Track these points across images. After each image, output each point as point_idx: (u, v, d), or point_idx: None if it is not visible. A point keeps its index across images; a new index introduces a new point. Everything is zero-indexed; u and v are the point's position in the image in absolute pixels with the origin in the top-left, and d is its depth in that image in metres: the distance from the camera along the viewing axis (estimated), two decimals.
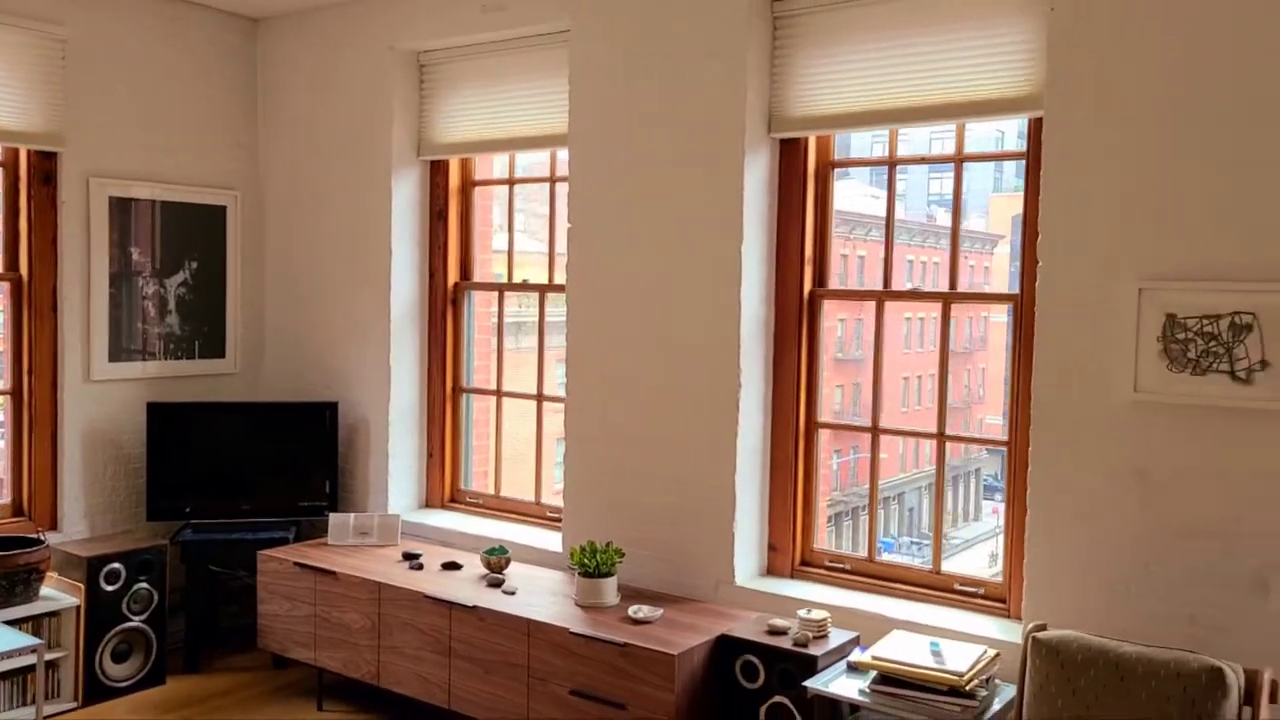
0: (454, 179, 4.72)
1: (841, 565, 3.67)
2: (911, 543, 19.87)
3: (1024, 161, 3.26)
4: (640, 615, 3.41)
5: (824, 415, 3.74)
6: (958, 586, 3.44)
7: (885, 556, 3.70)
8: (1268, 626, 2.75)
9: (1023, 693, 2.68)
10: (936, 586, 3.48)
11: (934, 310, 3.52)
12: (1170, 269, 2.87)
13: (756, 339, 3.70)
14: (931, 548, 3.56)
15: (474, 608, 3.56)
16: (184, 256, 4.81)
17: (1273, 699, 2.50)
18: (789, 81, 3.62)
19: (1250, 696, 2.47)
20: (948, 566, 3.49)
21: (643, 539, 3.86)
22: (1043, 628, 2.79)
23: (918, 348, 20.60)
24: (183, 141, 4.79)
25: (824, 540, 3.70)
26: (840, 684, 3.01)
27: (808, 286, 3.73)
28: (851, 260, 19.31)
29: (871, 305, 3.61)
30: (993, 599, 3.37)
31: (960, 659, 2.90)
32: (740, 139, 3.60)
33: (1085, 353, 3.01)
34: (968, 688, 2.80)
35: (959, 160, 3.48)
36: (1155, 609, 2.91)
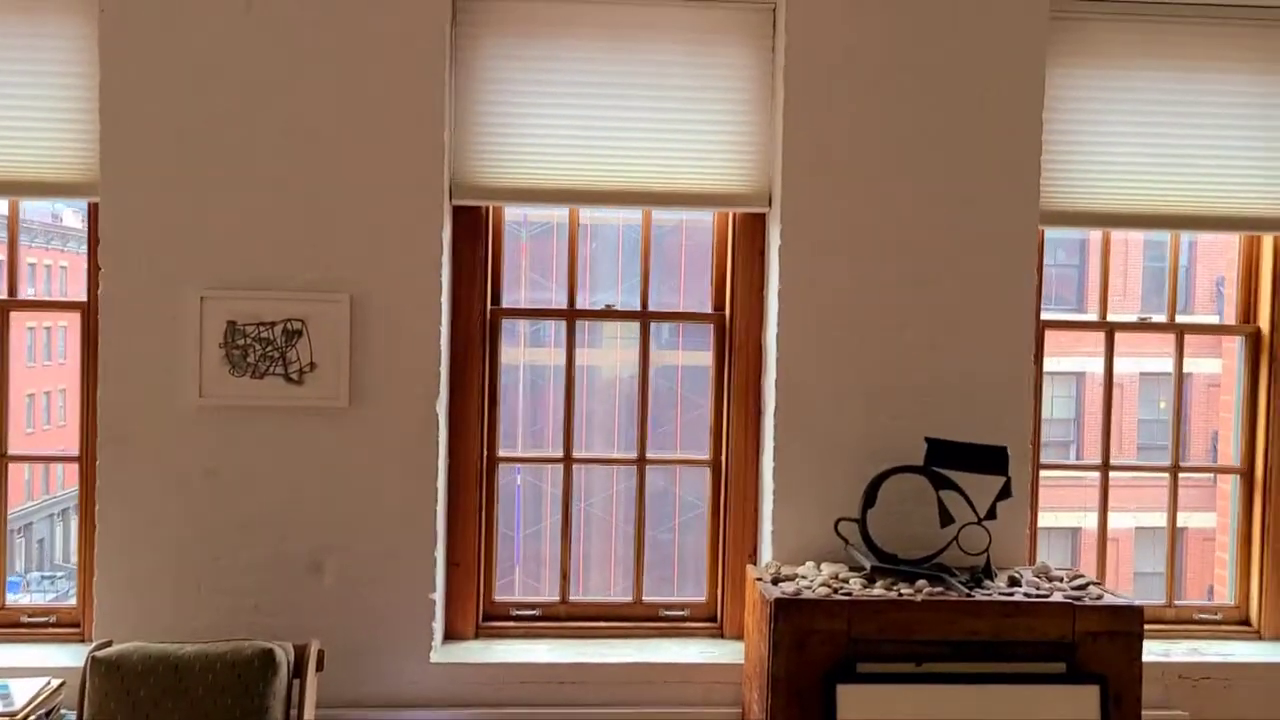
0: None
1: None
2: (43, 578, 17.88)
3: None
4: None
5: None
6: (25, 619, 3.15)
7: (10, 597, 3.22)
8: (323, 602, 3.06)
9: (82, 716, 2.55)
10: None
11: (64, 318, 3.16)
12: (231, 278, 3.01)
13: None
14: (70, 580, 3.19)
15: None
16: None
17: (320, 667, 2.78)
18: None
19: (300, 669, 2.71)
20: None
21: None
22: (107, 645, 2.69)
23: (58, 359, 18.56)
24: None
25: None
26: None
27: None
28: None
29: None
30: (66, 625, 3.16)
31: (26, 696, 2.66)
32: None
33: (152, 360, 2.99)
34: None
35: None
36: (226, 603, 3.03)
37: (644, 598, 3.39)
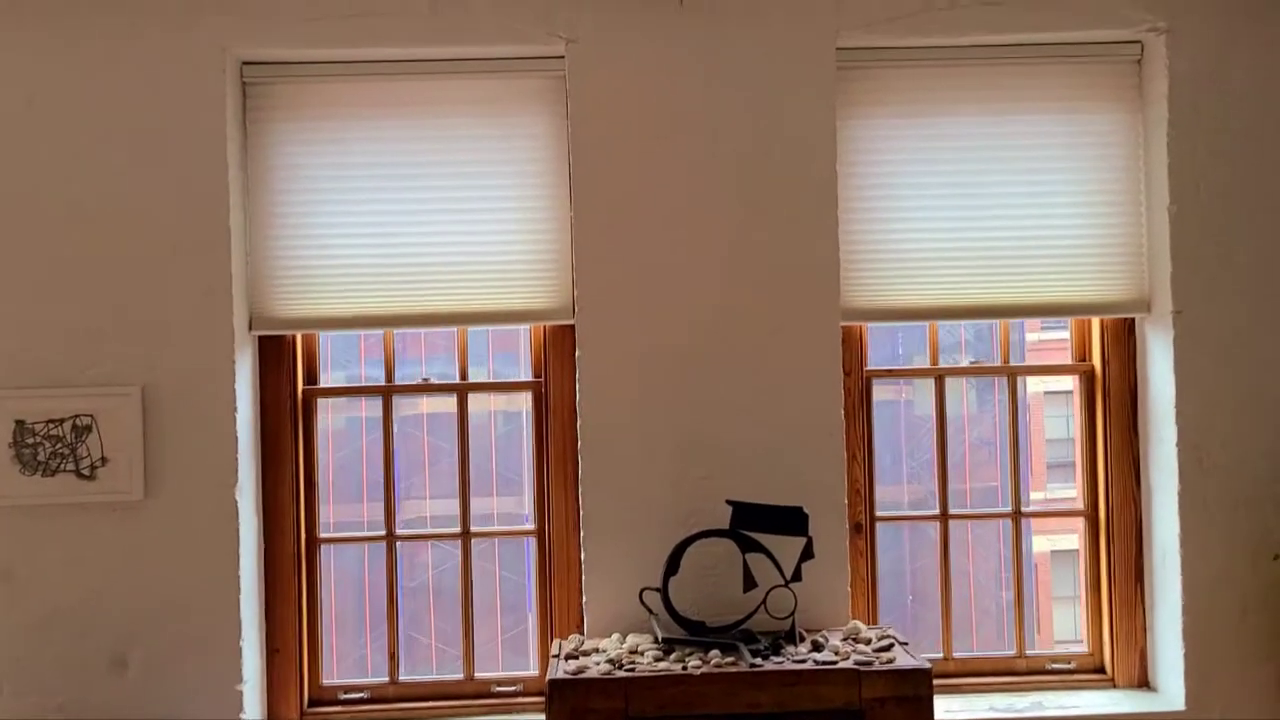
0: None
1: None
2: None
3: None
4: None
5: None
6: None
7: None
8: (128, 696, 3.02)
9: None
10: None
11: None
12: (17, 377, 3.01)
13: None
14: None
15: None
16: None
17: None
18: None
19: None
20: None
21: None
22: None
23: None
24: None
25: None
26: None
27: None
28: None
29: None
30: None
31: None
32: None
33: None
34: None
35: None
36: (30, 703, 3.00)
37: (475, 674, 3.34)
